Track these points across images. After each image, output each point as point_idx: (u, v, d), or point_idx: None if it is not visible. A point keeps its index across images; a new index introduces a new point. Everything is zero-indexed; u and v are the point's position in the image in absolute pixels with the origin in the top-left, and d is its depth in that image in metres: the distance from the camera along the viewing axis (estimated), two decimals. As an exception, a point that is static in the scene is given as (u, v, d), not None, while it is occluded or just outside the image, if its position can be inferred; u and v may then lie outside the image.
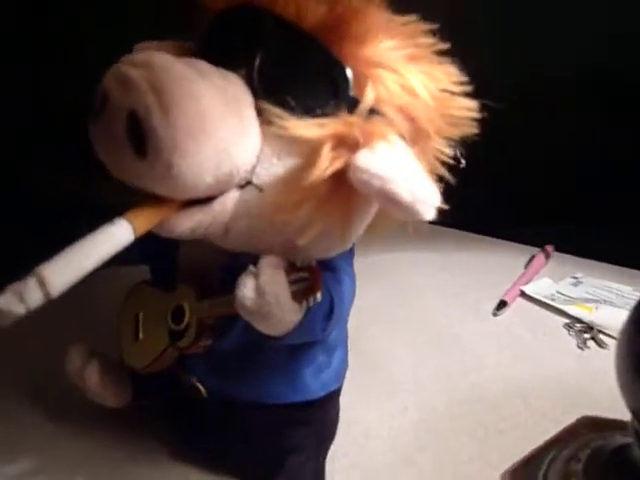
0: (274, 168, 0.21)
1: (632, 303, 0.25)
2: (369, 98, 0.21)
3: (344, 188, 0.20)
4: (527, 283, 0.53)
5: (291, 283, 0.21)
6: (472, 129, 0.23)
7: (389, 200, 0.18)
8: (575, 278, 0.55)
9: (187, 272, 0.27)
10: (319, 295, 0.21)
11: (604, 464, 0.27)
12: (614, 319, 0.43)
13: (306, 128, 0.20)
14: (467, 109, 0.23)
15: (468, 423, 0.34)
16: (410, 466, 0.31)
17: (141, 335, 0.28)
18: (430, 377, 0.39)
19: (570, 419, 0.33)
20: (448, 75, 0.22)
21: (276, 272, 0.21)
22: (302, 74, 0.21)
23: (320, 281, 0.21)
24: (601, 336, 0.44)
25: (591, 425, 0.32)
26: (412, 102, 0.21)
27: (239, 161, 0.20)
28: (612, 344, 0.41)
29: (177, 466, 0.30)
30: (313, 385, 0.27)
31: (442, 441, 0.32)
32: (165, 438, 0.31)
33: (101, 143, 0.20)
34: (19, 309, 0.17)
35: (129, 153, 0.19)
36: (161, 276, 0.28)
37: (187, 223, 0.21)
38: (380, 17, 0.21)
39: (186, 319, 0.26)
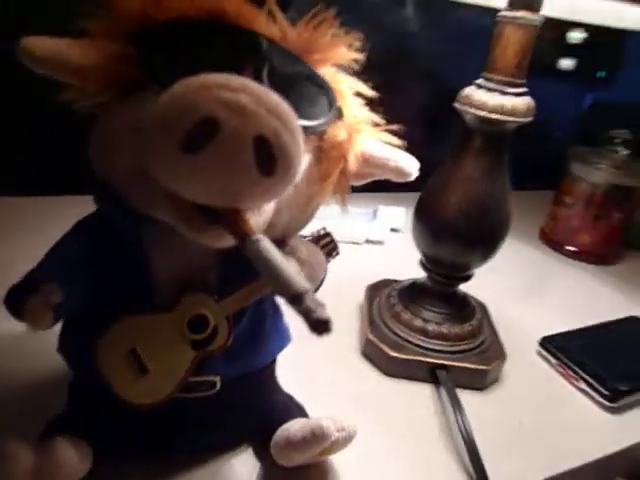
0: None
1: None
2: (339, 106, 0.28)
3: (345, 172, 0.28)
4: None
5: (321, 248, 0.28)
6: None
7: (402, 173, 0.28)
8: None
9: (171, 282, 0.27)
10: (338, 251, 0.29)
11: (407, 287, 0.48)
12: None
13: (339, 130, 0.26)
14: None
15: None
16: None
17: (150, 366, 0.26)
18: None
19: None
20: None
21: (309, 245, 0.27)
22: (303, 87, 0.26)
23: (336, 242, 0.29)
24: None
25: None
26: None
27: None
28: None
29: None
30: (287, 334, 0.33)
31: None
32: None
33: (213, 171, 0.20)
34: None
35: (253, 174, 0.20)
36: (131, 302, 0.26)
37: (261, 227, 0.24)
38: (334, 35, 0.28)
39: (211, 323, 0.27)
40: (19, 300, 0.22)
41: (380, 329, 0.45)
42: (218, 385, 0.29)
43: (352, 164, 0.28)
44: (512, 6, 0.35)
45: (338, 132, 0.27)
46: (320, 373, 0.42)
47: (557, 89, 0.90)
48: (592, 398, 0.44)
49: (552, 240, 0.75)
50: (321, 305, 0.18)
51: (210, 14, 0.24)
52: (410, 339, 0.44)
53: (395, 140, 0.29)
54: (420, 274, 0.47)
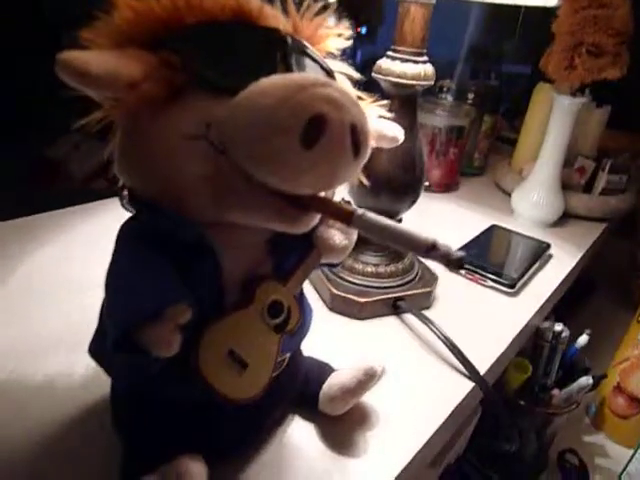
0: None
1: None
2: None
3: None
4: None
5: None
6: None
7: (395, 140, 0.33)
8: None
9: (237, 279, 0.28)
10: None
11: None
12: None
13: None
14: None
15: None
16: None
17: (249, 360, 0.26)
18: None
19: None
20: None
21: None
22: (319, 74, 0.28)
23: None
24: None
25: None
26: None
27: None
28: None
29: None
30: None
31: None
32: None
33: (326, 162, 0.22)
34: None
35: (350, 158, 0.23)
36: (209, 308, 0.26)
37: None
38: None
39: (285, 305, 0.29)
40: (139, 334, 0.21)
41: (340, 283, 0.50)
42: (286, 361, 0.31)
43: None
44: (412, -12, 0.42)
45: None
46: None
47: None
48: (497, 289, 0.58)
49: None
50: (449, 246, 0.23)
51: (235, 14, 0.25)
52: (369, 284, 0.51)
53: (387, 113, 0.34)
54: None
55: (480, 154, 0.97)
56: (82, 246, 0.56)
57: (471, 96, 0.91)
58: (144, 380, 0.26)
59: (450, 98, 0.84)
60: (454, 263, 0.22)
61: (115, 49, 0.23)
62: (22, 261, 0.52)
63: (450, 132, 0.85)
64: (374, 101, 0.32)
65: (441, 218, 0.78)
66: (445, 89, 0.84)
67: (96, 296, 0.49)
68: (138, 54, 0.23)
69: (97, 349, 0.29)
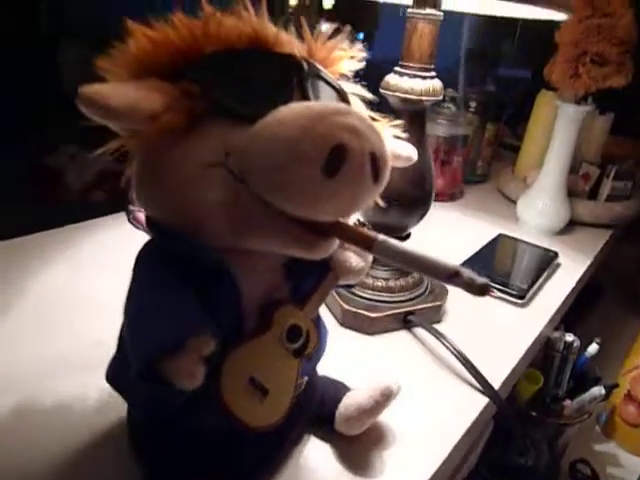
0: None
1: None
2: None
3: None
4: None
5: None
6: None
7: (410, 160, 0.33)
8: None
9: (255, 305, 0.27)
10: None
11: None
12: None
13: None
14: None
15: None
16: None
17: (269, 386, 0.26)
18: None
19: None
20: None
21: None
22: (332, 97, 0.28)
23: None
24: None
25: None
26: None
27: None
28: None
29: None
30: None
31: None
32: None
33: (346, 190, 0.22)
34: None
35: (370, 185, 0.23)
36: (228, 334, 0.26)
37: None
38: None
39: (304, 329, 0.28)
40: (162, 366, 0.21)
41: (351, 298, 0.50)
42: (304, 385, 0.31)
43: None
44: (418, 4, 0.42)
45: None
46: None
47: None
48: (506, 300, 0.58)
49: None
50: (472, 272, 0.23)
51: (252, 41, 0.25)
52: (379, 298, 0.50)
53: (401, 134, 0.34)
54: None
55: (483, 162, 0.97)
56: (88, 264, 0.56)
57: (473, 104, 0.91)
58: (167, 409, 0.26)
59: (452, 107, 0.84)
60: (478, 290, 0.22)
61: (132, 79, 0.23)
62: (27, 281, 0.52)
63: (453, 141, 0.85)
64: (388, 121, 0.32)
65: (446, 227, 0.78)
66: (447, 98, 0.84)
67: (104, 316, 0.48)
68: (158, 85, 0.23)
69: (115, 376, 0.29)
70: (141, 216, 0.68)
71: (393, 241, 0.24)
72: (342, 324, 0.50)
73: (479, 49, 1.21)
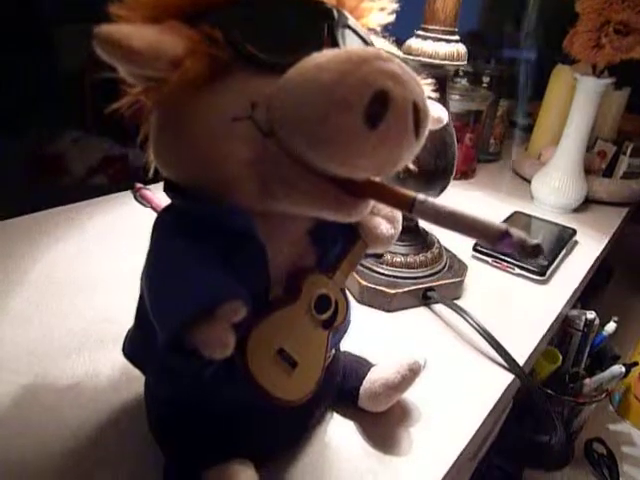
0: None
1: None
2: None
3: None
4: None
5: None
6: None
7: (440, 122, 0.31)
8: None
9: (282, 273, 0.26)
10: None
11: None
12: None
13: None
14: None
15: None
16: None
17: (298, 359, 0.25)
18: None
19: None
20: None
21: None
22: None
23: None
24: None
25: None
26: None
27: None
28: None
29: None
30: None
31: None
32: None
33: (389, 142, 0.20)
34: None
35: (412, 138, 0.21)
36: (256, 304, 0.25)
37: None
38: None
39: (333, 299, 0.27)
40: (191, 334, 0.20)
41: (369, 275, 0.49)
42: (330, 358, 0.29)
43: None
44: (444, -38, 0.40)
45: None
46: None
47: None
48: (526, 277, 0.56)
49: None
50: (523, 233, 0.21)
51: None
52: (398, 274, 0.49)
53: (432, 94, 0.32)
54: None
55: (496, 139, 0.95)
56: (94, 242, 0.54)
57: (486, 80, 0.89)
58: (192, 383, 0.24)
59: (465, 82, 0.82)
60: (530, 251, 0.20)
61: (151, 24, 0.21)
62: (34, 258, 0.50)
63: (466, 117, 0.83)
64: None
65: (460, 205, 0.76)
66: (460, 73, 0.81)
67: (112, 292, 0.47)
68: (179, 28, 0.21)
69: (135, 351, 0.27)
70: (148, 193, 0.66)
71: (435, 200, 0.22)
72: (360, 301, 0.48)
73: (496, 27, 1.18)
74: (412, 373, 0.33)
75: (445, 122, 0.32)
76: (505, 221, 0.68)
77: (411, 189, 0.47)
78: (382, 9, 0.28)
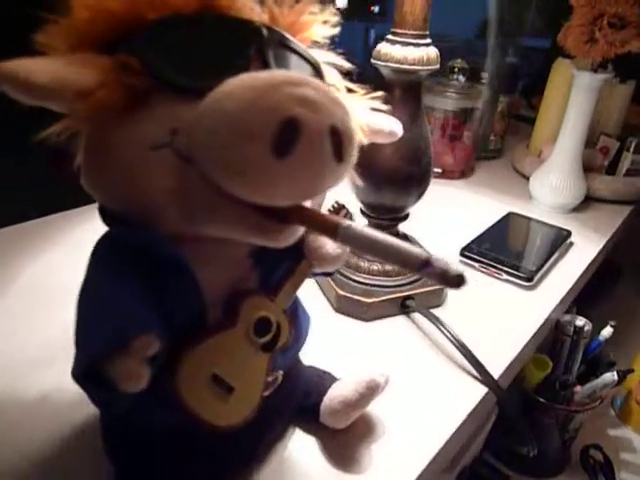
0: None
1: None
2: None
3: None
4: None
5: None
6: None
7: (394, 136, 0.30)
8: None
9: (220, 297, 0.26)
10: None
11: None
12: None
13: None
14: None
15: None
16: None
17: (234, 384, 0.25)
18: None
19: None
20: None
21: None
22: (301, 67, 0.25)
23: None
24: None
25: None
26: None
27: None
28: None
29: None
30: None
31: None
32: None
33: (304, 168, 0.19)
34: None
35: (332, 164, 0.20)
36: (189, 329, 0.24)
37: None
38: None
39: (274, 321, 0.27)
40: (104, 367, 0.19)
41: (346, 283, 0.48)
42: (280, 379, 0.29)
43: (361, 136, 0.29)
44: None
45: None
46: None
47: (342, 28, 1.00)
48: (514, 283, 0.55)
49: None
50: (447, 261, 0.20)
51: (202, 6, 0.23)
52: (376, 283, 0.48)
53: (382, 106, 0.31)
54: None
55: (496, 136, 0.93)
56: (85, 250, 0.55)
57: (485, 75, 0.87)
58: (121, 411, 0.24)
59: (462, 79, 0.80)
60: (453, 280, 0.19)
61: (70, 53, 0.21)
62: (22, 267, 0.51)
63: (463, 115, 0.81)
64: (367, 92, 0.30)
65: (454, 206, 0.75)
66: (456, 69, 0.79)
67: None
68: (91, 58, 0.21)
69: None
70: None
71: (360, 227, 0.21)
72: (337, 310, 0.48)
73: (498, 18, 1.14)
74: (370, 391, 0.32)
75: (398, 135, 0.31)
76: (499, 222, 0.66)
77: (387, 198, 0.47)
78: (325, 22, 0.27)
